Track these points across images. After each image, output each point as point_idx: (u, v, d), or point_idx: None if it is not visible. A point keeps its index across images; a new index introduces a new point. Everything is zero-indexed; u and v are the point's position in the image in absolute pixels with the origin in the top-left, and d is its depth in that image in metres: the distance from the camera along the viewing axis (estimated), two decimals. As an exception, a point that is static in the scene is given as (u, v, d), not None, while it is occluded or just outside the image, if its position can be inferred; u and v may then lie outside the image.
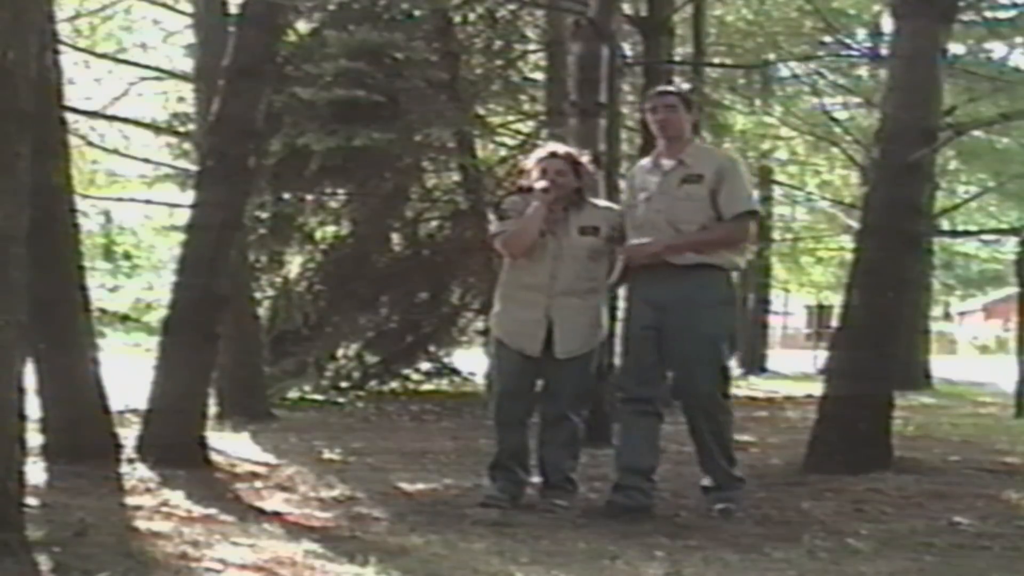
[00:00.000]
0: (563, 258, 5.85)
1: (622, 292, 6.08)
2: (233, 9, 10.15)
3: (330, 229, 14.50)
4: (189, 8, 13.70)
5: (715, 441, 5.82)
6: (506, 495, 5.86)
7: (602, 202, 6.23)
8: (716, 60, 17.45)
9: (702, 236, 5.78)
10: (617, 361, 6.00)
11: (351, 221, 14.35)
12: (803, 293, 37.11)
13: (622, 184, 6.31)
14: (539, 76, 14.97)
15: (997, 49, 18.60)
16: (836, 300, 25.17)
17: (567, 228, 5.88)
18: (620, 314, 6.01)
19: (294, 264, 14.27)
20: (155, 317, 13.64)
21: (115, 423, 6.84)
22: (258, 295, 12.64)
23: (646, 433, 5.86)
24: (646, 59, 13.36)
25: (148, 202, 17.86)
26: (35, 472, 5.68)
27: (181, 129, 14.20)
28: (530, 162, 6.08)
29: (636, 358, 5.86)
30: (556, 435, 5.96)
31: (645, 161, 6.30)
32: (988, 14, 15.94)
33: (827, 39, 18.36)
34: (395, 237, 14.55)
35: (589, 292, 5.93)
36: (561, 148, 6.20)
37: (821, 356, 20.62)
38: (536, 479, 6.05)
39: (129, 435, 6.94)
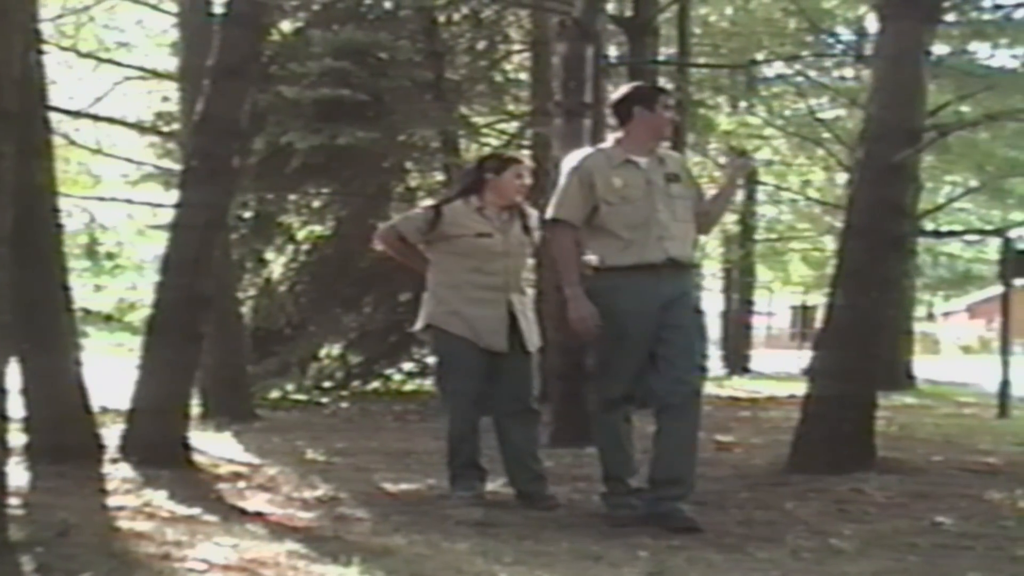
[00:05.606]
0: (512, 255, 6.10)
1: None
2: (218, 8, 10.11)
3: (314, 229, 14.47)
4: (174, 8, 13.66)
5: (692, 440, 5.53)
6: (473, 491, 5.95)
7: None
8: (700, 60, 17.52)
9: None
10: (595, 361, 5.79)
11: (334, 220, 14.32)
12: (787, 293, 37.21)
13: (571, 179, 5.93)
14: (524, 76, 14.99)
15: (981, 50, 18.69)
16: (820, 300, 25.24)
17: (514, 227, 6.10)
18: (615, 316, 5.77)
19: (277, 264, 14.24)
20: (138, 317, 13.62)
21: (98, 423, 6.83)
22: (240, 295, 12.60)
23: (629, 439, 5.73)
24: (631, 59, 13.40)
25: (131, 202, 17.81)
26: (18, 472, 5.65)
27: (165, 129, 14.19)
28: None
29: (635, 360, 5.57)
30: (527, 428, 6.07)
31: (598, 154, 5.80)
32: (973, 15, 16.02)
33: (811, 39, 18.42)
34: (378, 237, 14.51)
35: (526, 287, 6.32)
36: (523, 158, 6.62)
37: (805, 356, 20.62)
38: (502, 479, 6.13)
39: (112, 435, 6.91)
